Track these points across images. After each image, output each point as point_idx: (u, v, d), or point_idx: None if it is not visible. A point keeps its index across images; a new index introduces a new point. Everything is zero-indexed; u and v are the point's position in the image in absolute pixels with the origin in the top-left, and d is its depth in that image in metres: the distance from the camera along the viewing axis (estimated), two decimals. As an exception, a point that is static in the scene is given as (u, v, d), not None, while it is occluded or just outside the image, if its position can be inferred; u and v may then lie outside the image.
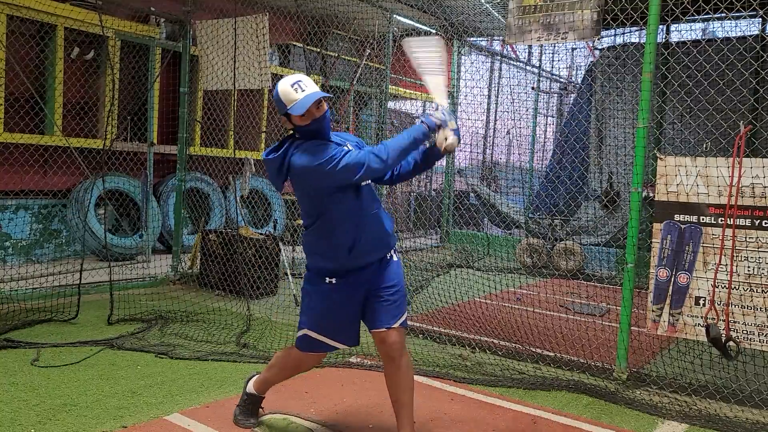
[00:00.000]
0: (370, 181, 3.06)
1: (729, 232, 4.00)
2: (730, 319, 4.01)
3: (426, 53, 3.24)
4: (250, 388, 3.41)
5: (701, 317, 4.10)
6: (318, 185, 2.93)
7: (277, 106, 3.00)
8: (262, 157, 3.06)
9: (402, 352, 3.06)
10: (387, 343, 3.04)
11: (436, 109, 3.05)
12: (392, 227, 3.18)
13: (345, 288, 3.06)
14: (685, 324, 4.18)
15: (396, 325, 3.04)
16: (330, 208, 2.97)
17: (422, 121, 3.01)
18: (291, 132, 3.06)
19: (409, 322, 5.59)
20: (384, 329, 3.03)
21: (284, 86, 2.93)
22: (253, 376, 3.47)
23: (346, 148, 2.99)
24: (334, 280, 3.05)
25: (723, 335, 3.94)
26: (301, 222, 3.27)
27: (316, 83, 3.33)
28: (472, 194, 11.23)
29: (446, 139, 2.99)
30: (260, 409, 3.47)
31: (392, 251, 3.16)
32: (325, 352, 3.24)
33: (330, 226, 3.00)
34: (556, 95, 13.68)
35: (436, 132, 3.01)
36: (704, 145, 5.12)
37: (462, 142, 10.29)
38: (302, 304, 3.20)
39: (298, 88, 2.90)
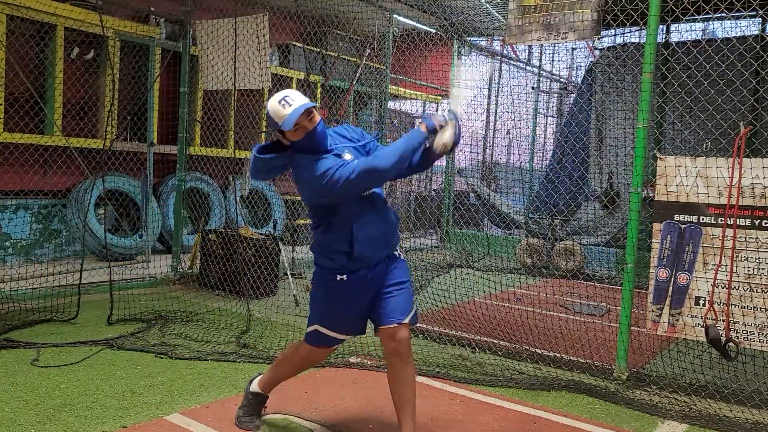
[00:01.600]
0: None
1: (729, 232, 4.00)
2: (730, 319, 4.01)
3: (471, 73, 3.43)
4: (255, 387, 3.41)
5: (701, 317, 4.10)
6: (324, 196, 2.96)
7: (270, 125, 3.02)
8: (255, 154, 3.02)
9: (410, 350, 3.10)
10: (396, 339, 3.05)
11: (442, 111, 3.10)
12: (398, 225, 3.21)
13: (354, 284, 3.07)
14: (684, 324, 4.18)
15: (406, 321, 3.08)
16: (336, 211, 3.01)
17: (422, 122, 3.03)
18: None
19: (409, 322, 5.60)
20: (394, 325, 3.04)
21: (273, 104, 2.95)
22: (255, 377, 3.46)
23: (345, 158, 2.98)
24: (345, 277, 3.06)
25: (723, 336, 3.94)
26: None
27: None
28: (472, 194, 11.23)
29: (442, 139, 3.03)
30: (263, 408, 3.47)
31: (397, 249, 3.20)
32: (334, 346, 3.27)
33: (335, 227, 3.03)
34: (556, 95, 13.68)
35: (435, 133, 3.04)
36: (704, 145, 5.12)
37: (462, 141, 10.31)
38: (312, 299, 3.23)
39: (285, 104, 2.92)
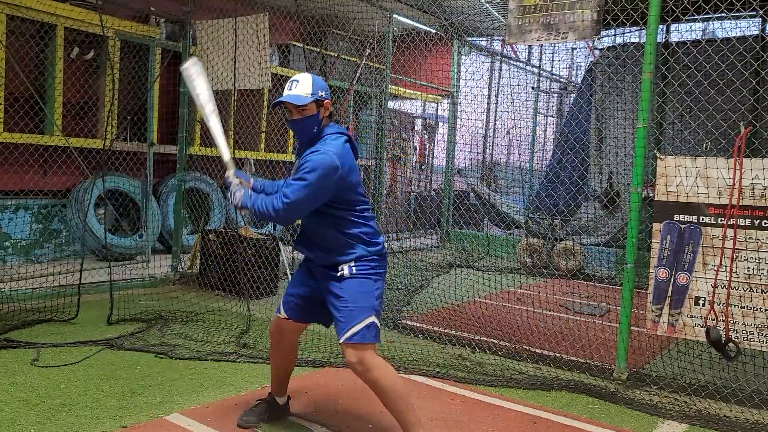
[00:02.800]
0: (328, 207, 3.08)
1: (729, 232, 4.00)
2: (729, 319, 4.01)
3: (195, 85, 3.41)
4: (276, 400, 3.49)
5: (701, 318, 4.10)
6: None
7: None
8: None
9: (362, 370, 2.99)
10: (346, 359, 3.06)
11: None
12: (349, 252, 3.07)
13: (304, 264, 3.30)
14: (684, 324, 4.18)
15: (342, 341, 3.00)
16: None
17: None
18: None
19: (409, 322, 5.60)
20: (340, 341, 3.04)
21: (305, 77, 3.11)
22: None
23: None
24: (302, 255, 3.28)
25: (723, 337, 3.94)
26: (298, 222, 3.33)
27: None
28: (472, 194, 11.22)
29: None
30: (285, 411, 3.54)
31: (345, 269, 3.05)
32: (281, 316, 3.30)
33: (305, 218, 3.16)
34: (556, 95, 13.68)
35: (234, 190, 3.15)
36: (704, 145, 5.12)
37: (462, 141, 10.34)
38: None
39: (288, 87, 3.09)
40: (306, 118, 3.06)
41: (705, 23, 8.92)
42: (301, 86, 3.05)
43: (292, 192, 2.90)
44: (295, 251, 7.91)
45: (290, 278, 6.37)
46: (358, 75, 8.76)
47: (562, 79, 13.34)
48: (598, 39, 4.87)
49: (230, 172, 3.22)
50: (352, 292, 3.03)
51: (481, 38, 10.87)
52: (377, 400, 3.61)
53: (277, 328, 3.34)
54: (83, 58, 7.46)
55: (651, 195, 4.94)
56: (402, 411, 3.01)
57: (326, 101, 3.10)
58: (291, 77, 3.13)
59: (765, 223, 3.94)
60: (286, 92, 3.07)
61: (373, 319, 3.01)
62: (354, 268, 3.05)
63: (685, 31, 8.99)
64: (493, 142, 11.92)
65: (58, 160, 6.89)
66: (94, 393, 3.73)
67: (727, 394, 4.11)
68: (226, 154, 3.28)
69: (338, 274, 3.06)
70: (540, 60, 11.43)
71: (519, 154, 11.38)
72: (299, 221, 3.17)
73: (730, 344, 3.96)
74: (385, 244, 3.26)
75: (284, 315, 3.28)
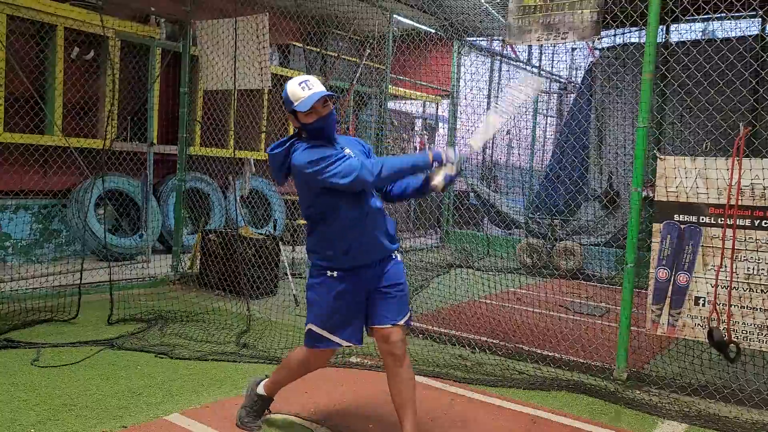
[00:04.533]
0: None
1: (729, 232, 4.00)
2: (730, 319, 4.00)
3: (518, 93, 3.28)
4: (261, 390, 3.40)
5: (701, 318, 4.10)
6: (314, 185, 2.99)
7: (284, 103, 3.08)
8: (267, 151, 3.15)
9: (405, 351, 3.10)
10: (390, 341, 3.06)
11: (458, 147, 3.15)
12: (394, 231, 3.21)
13: (346, 281, 3.07)
14: (684, 324, 4.18)
15: (401, 323, 3.10)
16: (328, 209, 3.02)
17: (431, 150, 3.06)
18: (297, 130, 3.13)
19: (409, 322, 5.60)
20: (388, 326, 3.06)
21: (292, 85, 3.03)
22: (262, 380, 3.45)
23: (345, 152, 3.03)
24: (335, 274, 3.07)
25: (725, 338, 3.94)
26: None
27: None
28: (472, 194, 11.23)
29: (435, 178, 3.05)
30: (267, 412, 3.47)
31: (394, 252, 3.20)
32: (330, 350, 3.23)
33: (328, 227, 3.05)
34: (556, 95, 13.68)
35: (439, 166, 3.05)
36: (704, 145, 5.12)
37: (462, 142, 10.33)
38: (306, 300, 3.22)
39: (305, 87, 3.01)
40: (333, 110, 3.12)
41: (705, 23, 8.92)
42: (318, 83, 3.08)
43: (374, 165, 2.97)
44: (295, 251, 7.93)
45: (290, 278, 6.38)
46: (358, 75, 8.76)
47: (562, 80, 13.34)
48: (598, 39, 4.87)
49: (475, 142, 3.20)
50: (403, 275, 3.20)
51: (481, 38, 10.86)
52: (377, 400, 3.62)
53: (324, 360, 3.34)
54: (83, 58, 7.46)
55: (651, 195, 4.94)
56: (412, 403, 3.10)
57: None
58: (289, 77, 3.14)
59: (765, 223, 3.94)
60: (313, 90, 3.00)
61: None
62: (398, 255, 3.23)
63: (685, 31, 8.99)
64: (493, 142, 11.91)
65: (58, 160, 6.89)
66: (94, 393, 3.73)
67: (727, 394, 4.11)
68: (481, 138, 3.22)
69: (393, 260, 3.17)
70: (540, 60, 11.43)
71: (519, 154, 11.37)
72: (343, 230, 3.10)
73: (731, 345, 3.96)
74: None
75: (346, 343, 3.15)
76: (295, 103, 2.99)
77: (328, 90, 3.08)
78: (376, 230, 3.09)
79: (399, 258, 3.22)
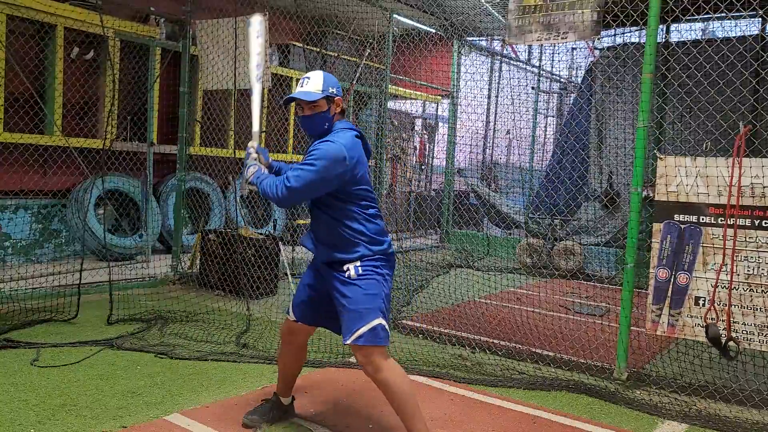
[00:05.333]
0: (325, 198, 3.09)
1: (729, 232, 4.00)
2: (730, 318, 4.00)
3: (255, 47, 3.40)
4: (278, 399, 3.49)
5: (701, 318, 4.10)
6: None
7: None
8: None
9: (372, 371, 2.99)
10: (356, 359, 3.09)
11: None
12: (344, 249, 3.05)
13: (312, 267, 3.28)
14: (684, 324, 4.18)
15: (349, 342, 2.98)
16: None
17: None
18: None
19: (409, 322, 5.60)
20: (346, 341, 3.02)
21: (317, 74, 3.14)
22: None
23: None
24: (311, 259, 3.27)
25: (723, 335, 3.94)
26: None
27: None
28: (472, 194, 11.23)
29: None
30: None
31: (351, 270, 3.02)
32: (287, 318, 3.33)
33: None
34: (556, 95, 13.68)
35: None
36: (704, 145, 5.12)
37: (462, 142, 10.34)
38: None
39: (300, 83, 3.12)
40: (317, 115, 3.07)
41: (705, 23, 8.92)
42: (313, 83, 3.07)
43: (296, 176, 2.91)
44: (295, 252, 7.94)
45: (290, 278, 6.39)
46: (358, 75, 8.76)
47: (562, 79, 13.34)
48: (598, 39, 4.87)
49: (253, 143, 3.27)
50: (358, 293, 3.00)
51: (481, 38, 10.87)
52: (377, 399, 3.61)
53: (287, 330, 3.34)
54: (83, 58, 7.46)
55: (651, 195, 4.94)
56: (409, 413, 2.99)
57: (337, 98, 3.10)
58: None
59: (765, 223, 3.94)
60: (297, 89, 3.10)
61: (379, 321, 2.97)
62: (360, 269, 3.01)
63: (685, 31, 8.99)
64: (493, 142, 11.92)
65: (58, 160, 6.89)
66: (94, 393, 3.73)
67: (727, 394, 4.11)
68: (256, 124, 3.30)
69: (345, 275, 3.02)
70: (540, 60, 11.44)
71: (519, 154, 11.38)
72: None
73: (730, 343, 3.96)
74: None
75: (293, 317, 3.28)
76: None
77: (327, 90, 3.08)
78: (317, 233, 3.16)
79: (359, 281, 3.01)
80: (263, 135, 9.14)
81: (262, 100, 3.36)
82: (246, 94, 8.22)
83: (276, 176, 3.12)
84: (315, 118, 3.08)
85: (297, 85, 3.12)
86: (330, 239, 3.08)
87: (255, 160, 3.21)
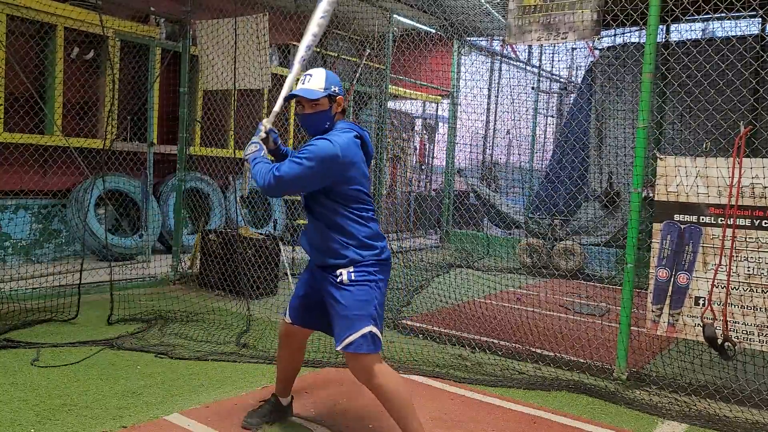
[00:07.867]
0: (318, 197, 3.06)
1: (729, 232, 4.00)
2: (729, 319, 4.01)
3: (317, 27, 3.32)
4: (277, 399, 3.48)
5: (700, 317, 4.10)
6: None
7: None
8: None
9: (365, 378, 2.98)
10: (348, 365, 3.07)
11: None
12: (335, 252, 3.01)
13: (308, 268, 3.26)
14: (684, 324, 4.18)
15: (339, 349, 2.97)
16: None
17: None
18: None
19: (409, 322, 5.60)
20: (338, 347, 2.99)
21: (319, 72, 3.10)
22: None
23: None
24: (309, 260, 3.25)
25: (720, 335, 3.94)
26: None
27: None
28: (472, 194, 11.23)
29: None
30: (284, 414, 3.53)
31: (344, 275, 2.98)
32: (286, 320, 3.31)
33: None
34: (556, 95, 13.68)
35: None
36: (704, 145, 5.12)
37: (462, 142, 10.34)
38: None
39: (301, 80, 3.09)
40: (317, 113, 3.04)
41: (705, 23, 8.92)
42: (315, 80, 3.03)
43: (286, 168, 2.88)
44: (295, 252, 7.94)
45: (290, 278, 6.39)
46: (358, 75, 8.76)
47: (562, 79, 13.34)
48: (598, 39, 4.87)
49: (267, 123, 3.22)
50: (350, 299, 2.95)
51: (481, 38, 10.86)
52: (376, 400, 3.61)
53: (284, 332, 3.34)
54: (83, 58, 7.46)
55: (651, 195, 4.94)
56: (404, 417, 2.97)
57: (339, 97, 3.06)
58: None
59: (765, 223, 3.94)
60: (299, 86, 3.05)
61: (370, 328, 2.92)
62: (353, 275, 2.96)
63: (685, 31, 8.99)
64: (493, 142, 11.93)
65: (58, 160, 6.89)
66: (94, 393, 3.73)
67: (727, 394, 4.11)
68: (279, 104, 3.22)
69: (337, 280, 2.98)
70: (540, 60, 11.44)
71: (519, 154, 11.38)
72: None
73: (727, 343, 3.96)
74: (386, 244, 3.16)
75: (289, 320, 3.27)
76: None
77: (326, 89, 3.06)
78: (310, 236, 3.14)
79: (346, 282, 2.97)
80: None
81: (266, 107, 3.35)
82: (246, 94, 8.24)
83: (269, 163, 3.09)
84: (316, 117, 3.04)
85: (299, 81, 3.08)
86: (321, 243, 3.05)
87: (259, 141, 3.17)
